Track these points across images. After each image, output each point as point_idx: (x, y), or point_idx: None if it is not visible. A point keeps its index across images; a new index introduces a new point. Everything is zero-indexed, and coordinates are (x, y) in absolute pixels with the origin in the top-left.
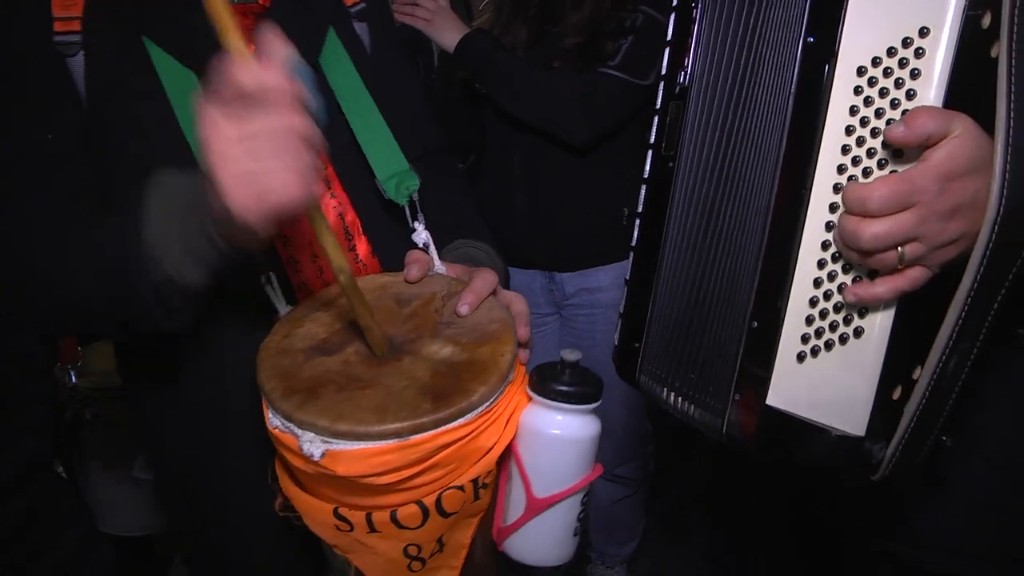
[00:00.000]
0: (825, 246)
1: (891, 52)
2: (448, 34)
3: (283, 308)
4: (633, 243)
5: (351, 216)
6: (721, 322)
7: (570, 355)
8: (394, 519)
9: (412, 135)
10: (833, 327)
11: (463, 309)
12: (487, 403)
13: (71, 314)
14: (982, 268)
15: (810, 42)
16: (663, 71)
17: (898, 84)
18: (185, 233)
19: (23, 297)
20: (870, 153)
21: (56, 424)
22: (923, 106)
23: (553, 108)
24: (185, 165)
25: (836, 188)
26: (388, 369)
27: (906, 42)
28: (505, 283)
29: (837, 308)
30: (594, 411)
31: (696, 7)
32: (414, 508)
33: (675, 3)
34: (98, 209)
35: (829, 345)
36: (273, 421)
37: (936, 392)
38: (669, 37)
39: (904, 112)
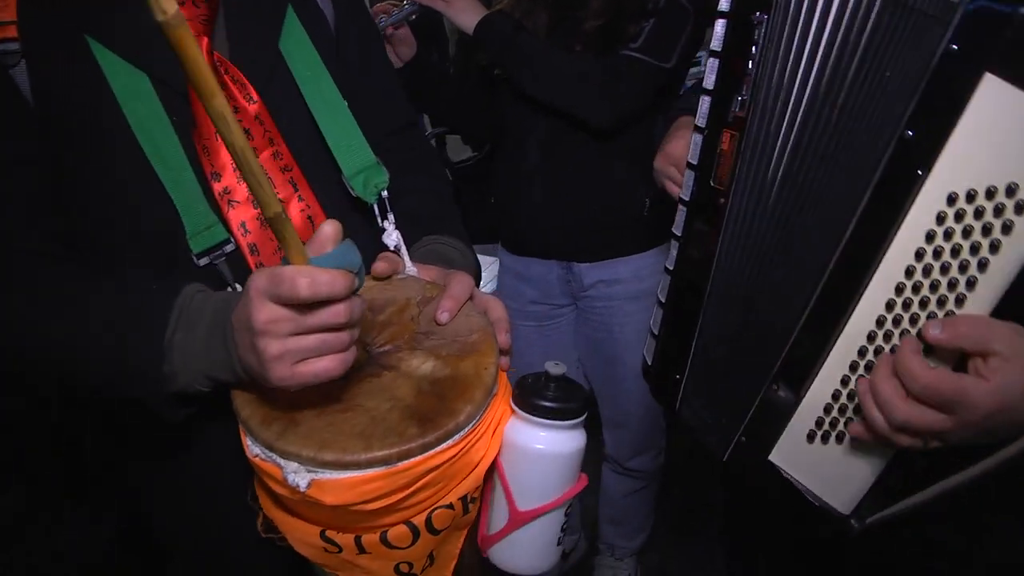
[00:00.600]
0: (862, 352)
1: (990, 193)
2: (468, 15)
3: None
4: (671, 266)
5: (321, 219)
6: (749, 368)
7: (555, 368)
8: (384, 540)
9: (381, 114)
10: (848, 424)
11: (443, 317)
12: (473, 421)
13: (57, 377)
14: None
15: (908, 136)
16: (711, 86)
17: (986, 230)
18: (211, 363)
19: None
20: (934, 286)
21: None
22: (967, 315)
23: (574, 90)
24: (143, 176)
25: (889, 305)
26: (368, 387)
27: (1010, 189)
28: (478, 277)
29: (857, 410)
30: (579, 424)
31: (760, 25)
32: (404, 529)
33: (726, 7)
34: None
35: (840, 437)
36: (253, 449)
37: (934, 501)
38: (716, 47)
39: (982, 261)
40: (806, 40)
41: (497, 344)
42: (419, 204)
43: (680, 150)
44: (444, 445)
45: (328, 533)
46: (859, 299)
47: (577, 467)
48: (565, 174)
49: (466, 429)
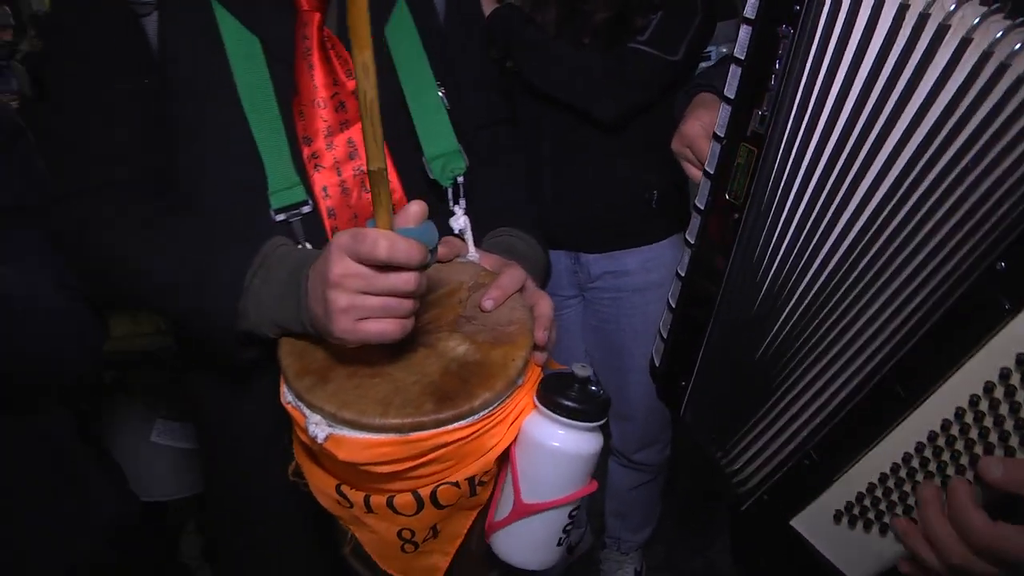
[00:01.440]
0: (907, 459)
1: None
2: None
3: None
4: (683, 272)
5: (398, 194)
6: (771, 423)
7: (581, 371)
8: (390, 504)
9: (478, 104)
10: (879, 516)
11: (487, 304)
12: (489, 408)
13: (143, 303)
14: None
15: (999, 268)
16: (731, 95)
17: None
18: (281, 309)
19: (99, 268)
20: (998, 421)
21: (75, 391)
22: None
23: (581, 84)
24: (238, 131)
25: (944, 424)
26: (401, 359)
27: None
28: (545, 273)
29: (891, 506)
30: (596, 428)
31: (786, 38)
32: (409, 497)
33: (750, 14)
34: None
35: (868, 525)
36: (287, 396)
37: None
38: (739, 54)
39: None
40: (837, 70)
41: (532, 339)
42: (498, 196)
43: (695, 129)
44: (456, 425)
45: (343, 488)
46: (912, 411)
47: (589, 471)
48: (574, 166)
49: (481, 414)
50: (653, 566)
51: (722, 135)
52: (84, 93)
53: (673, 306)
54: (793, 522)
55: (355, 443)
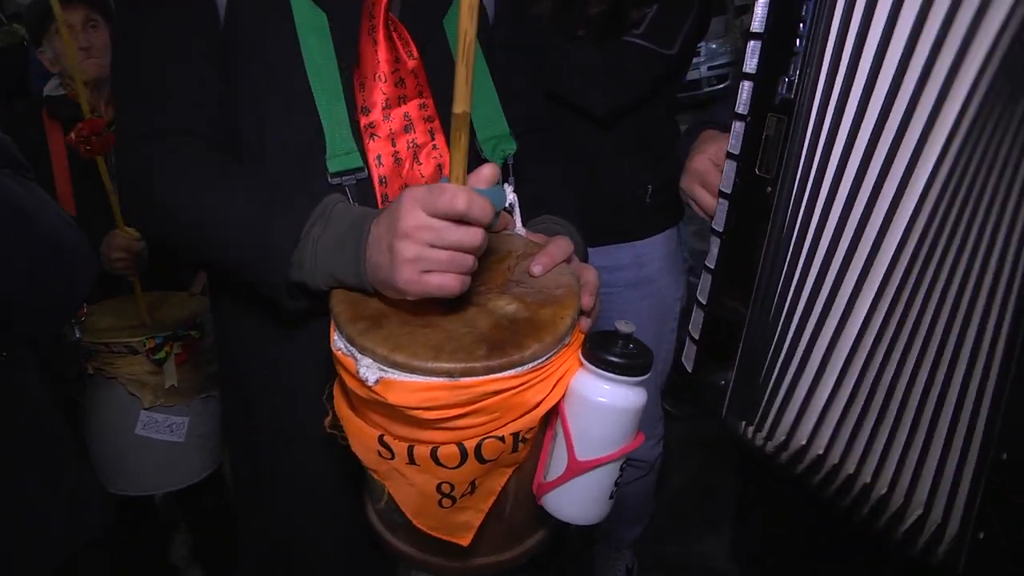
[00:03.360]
0: None
1: None
2: None
3: None
4: (712, 264)
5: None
6: (922, 420)
7: (624, 327)
8: (434, 455)
9: (519, 110)
10: None
11: (536, 269)
12: (539, 360)
13: (201, 253)
14: None
15: None
16: (752, 70)
17: None
18: (337, 261)
19: (160, 216)
20: None
21: (59, 380)
22: None
23: (575, 78)
24: (301, 96)
25: None
26: (453, 314)
27: None
28: (584, 259)
29: None
30: (641, 383)
31: (808, 2)
32: (454, 449)
33: None
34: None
35: None
36: (337, 343)
37: None
38: (757, 28)
39: None
40: (871, 21)
41: (579, 303)
42: (541, 192)
43: (704, 164)
44: (505, 373)
45: (386, 438)
46: None
47: (636, 423)
48: (567, 160)
49: (530, 364)
50: (645, 563)
51: (745, 113)
52: (160, 41)
53: (704, 302)
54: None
55: (405, 386)
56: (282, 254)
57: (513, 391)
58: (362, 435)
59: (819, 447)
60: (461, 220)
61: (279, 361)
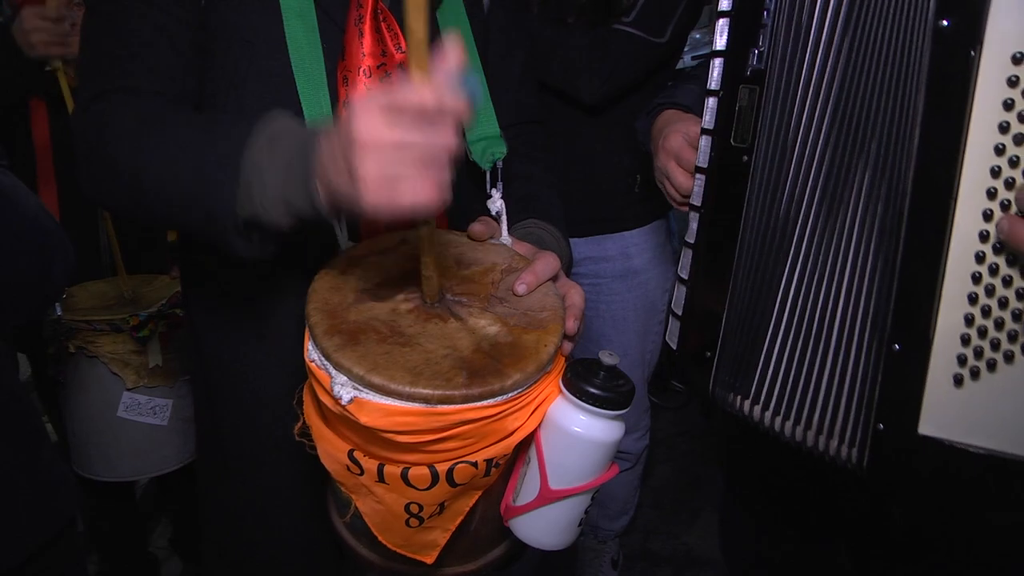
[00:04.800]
0: (980, 257)
1: None
2: None
3: (344, 243)
4: (691, 240)
5: None
6: (839, 341)
7: (607, 358)
8: (404, 476)
9: (510, 102)
10: (995, 345)
11: (520, 288)
12: (518, 390)
13: (150, 204)
14: None
15: (943, 26)
16: (722, 47)
17: None
18: (287, 183)
19: (107, 173)
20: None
21: (39, 359)
22: None
23: (563, 65)
24: (283, 84)
25: (990, 193)
26: (432, 330)
27: None
28: (568, 266)
29: (999, 324)
30: (620, 417)
31: None
32: (425, 471)
33: None
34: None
35: (992, 365)
36: (312, 354)
37: None
38: (724, 7)
39: None
40: None
41: (564, 328)
42: (528, 190)
43: (678, 142)
44: (484, 403)
45: (356, 454)
46: (954, 205)
47: (611, 456)
48: (555, 149)
49: (509, 394)
50: (630, 554)
51: (716, 88)
52: (131, 8)
53: (685, 278)
54: (921, 429)
55: (380, 408)
56: (226, 185)
57: (490, 419)
58: (331, 447)
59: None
60: (427, 117)
61: (248, 357)
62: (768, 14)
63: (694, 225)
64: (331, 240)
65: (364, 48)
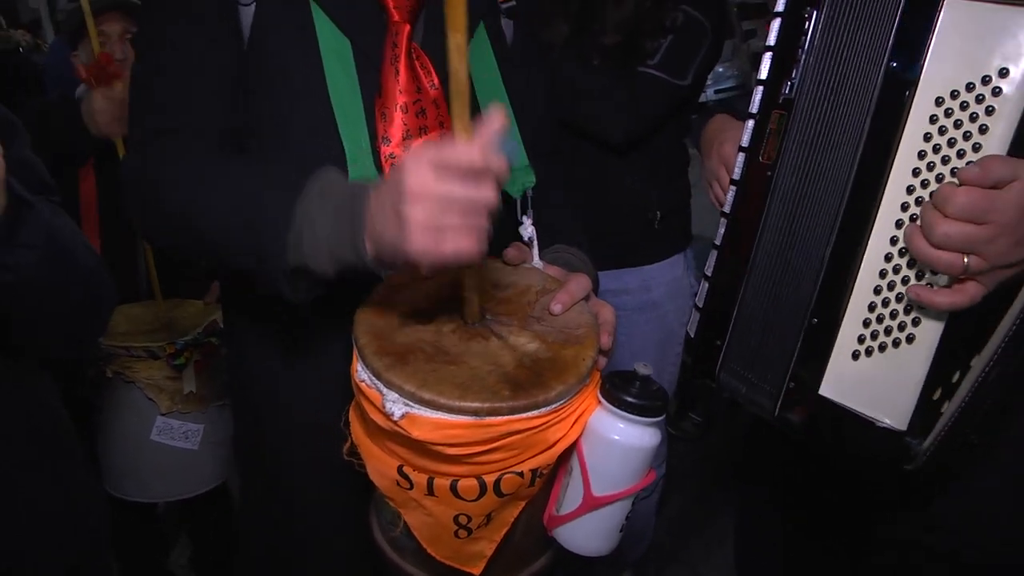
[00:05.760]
0: (888, 258)
1: (969, 87)
2: None
3: (386, 270)
4: (718, 242)
5: None
6: (788, 316)
7: (643, 369)
8: (453, 488)
9: (533, 135)
10: (888, 332)
11: (556, 308)
12: (561, 400)
13: (202, 248)
14: None
15: (893, 67)
16: (764, 76)
17: (972, 118)
18: (336, 234)
19: (161, 216)
20: (939, 178)
21: (76, 381)
22: (995, 155)
23: (590, 106)
24: (324, 122)
25: (903, 206)
26: (475, 348)
27: (985, 80)
28: (595, 290)
29: (893, 315)
30: (656, 423)
31: (809, 19)
32: (473, 482)
33: (781, 8)
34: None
35: (883, 347)
36: (361, 375)
37: (974, 399)
38: (771, 42)
39: (976, 145)
40: (835, 20)
41: (599, 343)
42: (554, 217)
43: (732, 152)
44: (529, 414)
45: (405, 469)
46: (877, 212)
47: (650, 461)
48: (578, 184)
49: (553, 405)
50: None
51: (755, 111)
52: (179, 54)
53: (709, 275)
54: (822, 390)
55: (430, 423)
56: (277, 235)
57: (535, 430)
58: (381, 463)
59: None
60: (472, 176)
61: (293, 379)
62: (803, 51)
63: (722, 230)
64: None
65: (400, 85)
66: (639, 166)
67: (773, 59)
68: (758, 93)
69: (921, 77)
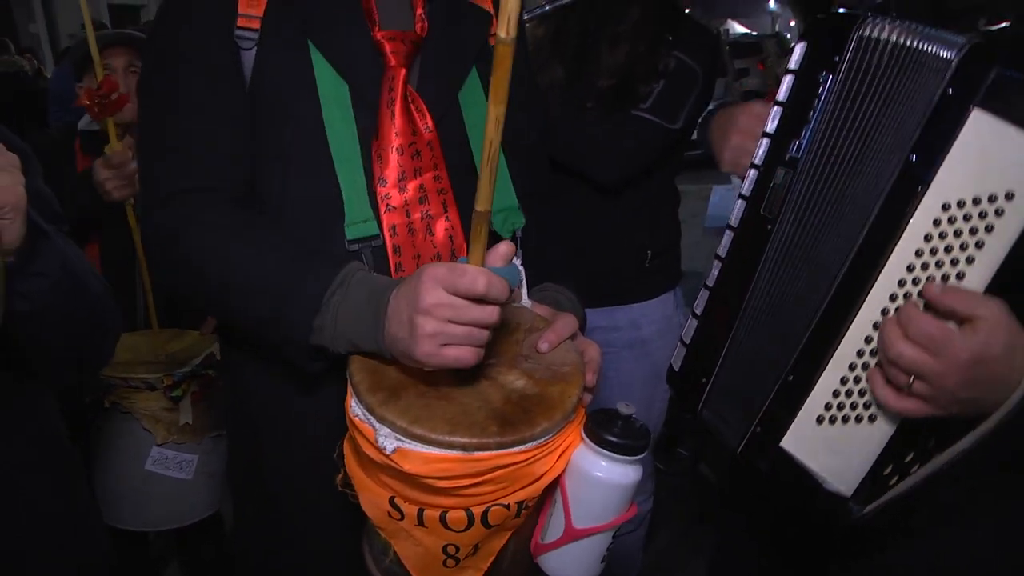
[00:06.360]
0: (868, 340)
1: (976, 201)
2: None
3: None
4: (711, 283)
5: (459, 239)
6: (769, 366)
7: (625, 409)
8: (442, 519)
9: (523, 175)
10: (853, 407)
11: (543, 347)
12: (547, 436)
13: (227, 317)
14: (993, 433)
15: (912, 160)
16: (771, 130)
17: (972, 231)
18: (358, 330)
19: (187, 281)
20: (929, 279)
21: (73, 409)
22: (957, 288)
23: (584, 148)
24: (322, 164)
25: (892, 297)
26: (465, 384)
27: (991, 198)
28: (582, 328)
29: (862, 393)
30: (637, 461)
31: (824, 83)
32: (462, 514)
33: (795, 67)
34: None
35: (845, 419)
36: (355, 409)
37: (923, 485)
38: (782, 97)
39: (969, 258)
40: (850, 90)
41: (584, 381)
42: (542, 256)
43: (754, 123)
44: (516, 449)
45: (397, 500)
46: (867, 294)
47: (630, 497)
48: (570, 223)
49: (539, 441)
50: None
51: (759, 163)
52: (186, 102)
53: (698, 313)
54: (783, 443)
55: (421, 457)
56: (304, 321)
57: (521, 464)
58: (373, 495)
59: None
60: (479, 299)
61: (287, 411)
62: (814, 113)
63: (715, 272)
64: None
65: (396, 127)
66: (631, 206)
67: (782, 115)
68: (763, 145)
69: (935, 178)
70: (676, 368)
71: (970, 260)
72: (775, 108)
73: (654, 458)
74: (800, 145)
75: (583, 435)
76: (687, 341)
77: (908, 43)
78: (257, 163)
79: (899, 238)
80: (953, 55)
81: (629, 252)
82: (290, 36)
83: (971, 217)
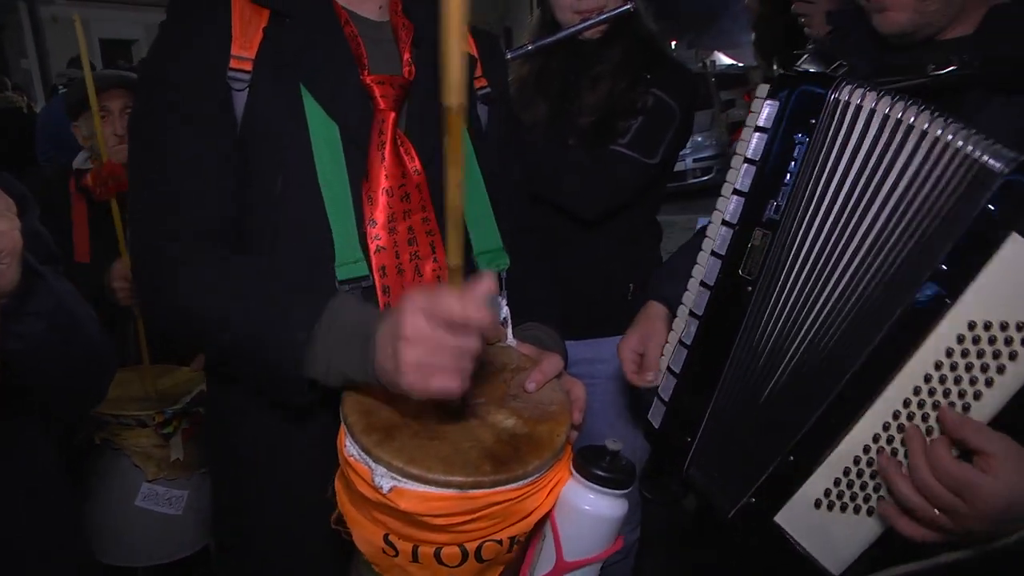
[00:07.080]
0: (876, 438)
1: (1003, 326)
2: None
3: None
4: (688, 341)
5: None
6: (767, 441)
7: (612, 444)
8: (437, 555)
9: (508, 212)
10: (853, 498)
11: (530, 386)
12: (537, 474)
13: (212, 353)
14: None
15: (942, 269)
16: (742, 188)
17: (996, 355)
18: (350, 363)
19: (181, 327)
20: (946, 393)
21: (65, 446)
22: (972, 421)
23: (565, 182)
24: (313, 205)
25: (905, 402)
26: (456, 424)
27: (1019, 326)
28: (565, 366)
29: (863, 486)
30: (624, 495)
31: (801, 143)
32: (456, 550)
33: (765, 125)
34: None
35: (844, 507)
36: (350, 449)
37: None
38: (750, 154)
39: (988, 380)
40: (841, 165)
41: (571, 419)
42: (526, 293)
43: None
44: (509, 486)
45: (391, 537)
46: (880, 396)
47: (617, 530)
48: (555, 258)
49: (530, 478)
50: None
51: (734, 222)
52: (177, 146)
53: (676, 371)
54: (777, 518)
55: (417, 495)
56: (294, 356)
57: (513, 501)
58: (366, 531)
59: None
60: (460, 326)
61: (274, 447)
62: (791, 176)
63: (692, 329)
64: None
65: (385, 170)
66: (612, 240)
67: (756, 173)
68: (733, 202)
69: (965, 293)
70: (656, 426)
71: (989, 382)
72: (744, 165)
73: (640, 487)
74: (779, 207)
75: (572, 471)
76: (666, 399)
77: (910, 121)
78: (248, 204)
79: (920, 345)
80: (1001, 166)
81: (611, 286)
82: (281, 78)
83: (996, 339)
